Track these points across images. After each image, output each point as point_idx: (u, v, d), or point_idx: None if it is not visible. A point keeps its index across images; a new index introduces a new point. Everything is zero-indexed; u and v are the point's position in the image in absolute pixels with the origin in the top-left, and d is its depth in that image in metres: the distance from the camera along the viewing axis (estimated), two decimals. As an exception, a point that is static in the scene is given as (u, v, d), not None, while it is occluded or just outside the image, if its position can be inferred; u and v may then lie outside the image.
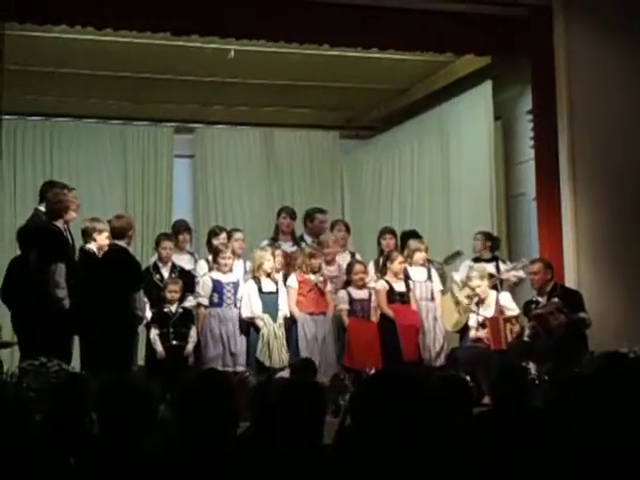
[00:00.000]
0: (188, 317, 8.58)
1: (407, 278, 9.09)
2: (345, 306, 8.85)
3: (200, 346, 8.57)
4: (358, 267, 8.97)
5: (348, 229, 9.84)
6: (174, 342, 8.45)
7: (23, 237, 7.90)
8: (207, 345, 8.53)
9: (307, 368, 7.29)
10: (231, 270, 8.79)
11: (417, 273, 9.17)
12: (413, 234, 9.89)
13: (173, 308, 8.54)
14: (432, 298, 9.12)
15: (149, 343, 8.56)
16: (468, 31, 9.30)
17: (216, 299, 8.65)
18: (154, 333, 8.46)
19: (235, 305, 8.66)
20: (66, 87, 10.97)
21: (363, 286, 8.93)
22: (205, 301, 8.64)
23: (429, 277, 9.18)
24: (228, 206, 12.44)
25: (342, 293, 8.91)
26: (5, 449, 3.45)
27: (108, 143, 12.06)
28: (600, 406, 4.11)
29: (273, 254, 8.87)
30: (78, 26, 8.59)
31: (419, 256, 9.19)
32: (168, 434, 3.88)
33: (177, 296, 8.56)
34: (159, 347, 8.41)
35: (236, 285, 8.71)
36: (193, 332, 8.53)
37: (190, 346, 8.49)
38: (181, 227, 9.64)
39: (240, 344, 8.57)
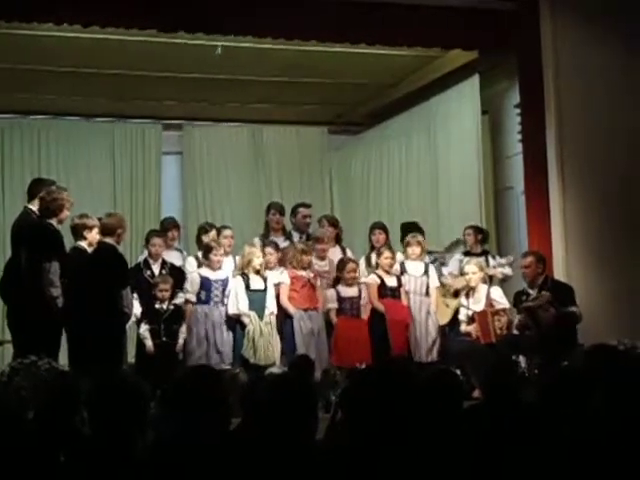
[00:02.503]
0: (179, 314, 8.57)
1: (403, 272, 9.11)
2: (333, 305, 8.85)
3: (186, 343, 8.58)
4: (351, 265, 8.96)
5: (334, 224, 9.80)
6: (164, 339, 8.44)
7: (15, 234, 7.88)
8: (192, 342, 8.53)
9: (305, 365, 7.29)
10: (220, 268, 8.78)
11: (413, 267, 9.19)
12: (412, 226, 9.90)
13: (164, 305, 8.53)
14: (427, 293, 9.13)
15: (140, 340, 8.55)
16: (455, 26, 9.29)
17: (203, 296, 8.64)
18: (144, 328, 8.43)
19: (223, 303, 8.64)
20: (54, 85, 10.93)
21: (353, 284, 8.92)
22: (193, 297, 8.63)
23: (425, 272, 9.19)
24: (217, 203, 12.43)
25: (330, 292, 8.90)
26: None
27: (96, 141, 12.03)
28: (590, 398, 4.13)
29: (263, 250, 8.87)
30: (65, 24, 8.57)
31: (410, 250, 9.20)
32: (159, 431, 3.88)
33: (167, 294, 8.55)
34: (149, 342, 8.39)
35: (225, 282, 8.70)
36: (183, 329, 8.52)
37: (181, 342, 8.48)
38: (169, 224, 9.64)
39: (226, 341, 8.56)
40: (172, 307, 8.54)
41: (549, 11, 9.33)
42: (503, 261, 9.37)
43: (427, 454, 3.78)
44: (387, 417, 3.80)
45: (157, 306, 8.52)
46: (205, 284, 8.66)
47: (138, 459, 3.52)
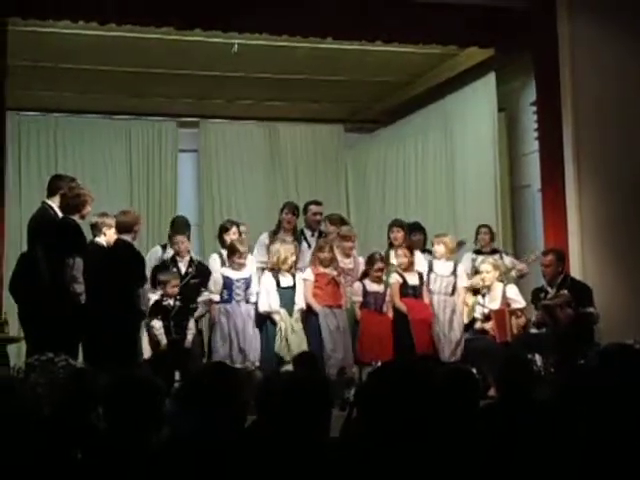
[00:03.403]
0: (186, 310, 8.55)
1: (430, 270, 9.10)
2: (359, 298, 8.85)
3: (211, 342, 8.59)
4: (379, 265, 8.91)
5: (336, 223, 9.72)
6: (174, 335, 8.39)
7: (32, 230, 7.85)
8: (216, 341, 8.51)
9: (309, 362, 7.30)
10: (244, 266, 8.76)
11: (440, 267, 9.15)
12: (416, 226, 9.90)
13: (171, 301, 8.51)
14: (452, 293, 9.09)
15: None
16: (471, 23, 9.28)
17: (225, 295, 8.62)
18: (159, 324, 8.40)
19: (246, 301, 8.62)
20: (71, 82, 10.99)
21: (379, 282, 8.92)
22: (216, 297, 8.62)
23: (454, 272, 9.15)
24: (232, 200, 12.46)
25: (357, 285, 8.90)
26: (13, 444, 3.46)
27: (113, 138, 12.09)
28: (606, 397, 4.11)
29: (296, 248, 8.89)
30: (81, 21, 8.60)
31: (435, 248, 9.17)
32: (174, 427, 3.89)
33: (177, 290, 8.55)
34: (164, 339, 8.37)
35: (247, 281, 8.66)
36: (191, 324, 8.52)
37: (190, 337, 8.46)
38: (181, 223, 9.63)
39: (252, 340, 8.53)
40: (179, 303, 8.53)
41: (566, 9, 9.30)
42: (532, 257, 9.31)
43: (442, 453, 3.77)
44: (402, 415, 3.79)
45: (165, 303, 8.50)
46: (227, 283, 8.64)
47: (154, 455, 3.53)
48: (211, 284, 8.70)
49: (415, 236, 9.78)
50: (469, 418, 4.31)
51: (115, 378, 3.84)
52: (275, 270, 8.69)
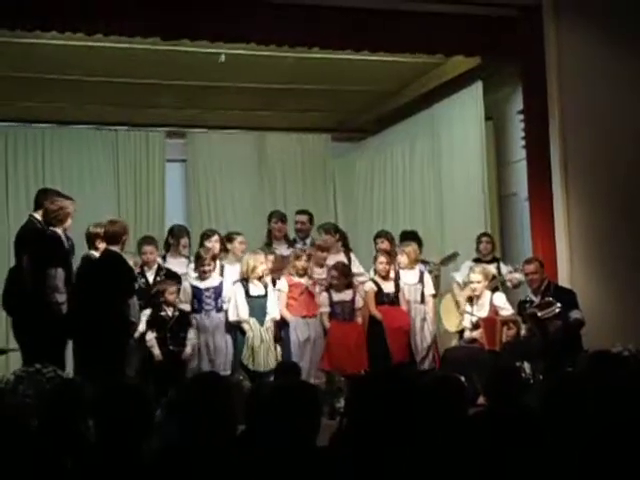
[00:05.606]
0: (185, 320, 8.47)
1: (398, 279, 9.09)
2: (325, 309, 8.79)
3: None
4: (334, 272, 8.82)
5: (330, 232, 9.70)
6: (171, 347, 8.32)
7: (17, 242, 7.91)
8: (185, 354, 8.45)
9: (291, 371, 7.30)
10: (210, 276, 8.67)
11: (407, 276, 9.16)
12: (411, 234, 9.90)
13: (170, 312, 8.45)
14: (422, 301, 9.11)
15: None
16: (458, 32, 9.31)
17: (195, 305, 8.58)
18: (151, 336, 8.30)
19: (216, 310, 8.60)
20: (58, 93, 10.96)
21: (343, 290, 8.85)
22: (187, 307, 8.54)
23: (420, 280, 9.17)
24: (220, 210, 12.44)
25: (323, 295, 8.82)
26: (3, 454, 3.46)
27: (100, 149, 12.04)
28: (593, 404, 4.13)
29: (266, 257, 8.87)
30: (68, 32, 8.59)
31: (400, 259, 9.18)
32: (165, 437, 3.89)
33: (175, 298, 8.45)
34: (156, 350, 8.27)
35: (217, 290, 8.63)
36: (191, 334, 8.39)
37: (188, 349, 8.34)
38: (181, 232, 9.55)
39: (222, 349, 8.49)
40: (177, 313, 8.47)
41: (552, 17, 9.33)
42: (517, 275, 9.33)
43: (432, 460, 3.78)
44: (391, 423, 3.79)
45: (163, 313, 8.41)
46: (196, 293, 8.59)
47: (144, 465, 3.53)
48: (181, 294, 8.61)
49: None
50: (457, 426, 4.31)
51: (104, 388, 3.83)
52: (244, 279, 8.68)
